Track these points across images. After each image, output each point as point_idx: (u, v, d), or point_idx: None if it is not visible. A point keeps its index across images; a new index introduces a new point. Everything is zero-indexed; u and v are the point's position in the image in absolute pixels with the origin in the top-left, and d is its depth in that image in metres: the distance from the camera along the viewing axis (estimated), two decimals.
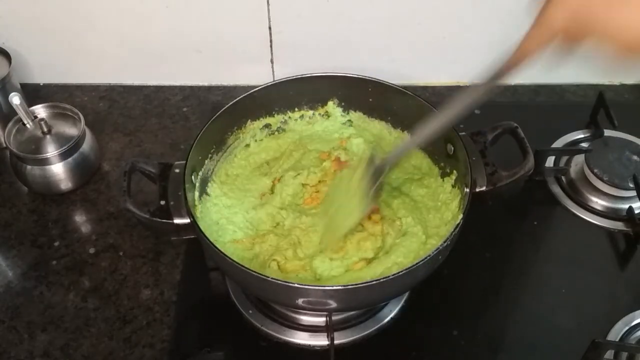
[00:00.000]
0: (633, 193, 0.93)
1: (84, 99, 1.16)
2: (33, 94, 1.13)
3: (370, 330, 0.82)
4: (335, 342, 0.79)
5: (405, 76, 1.06)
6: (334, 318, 0.80)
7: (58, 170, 0.96)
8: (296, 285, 0.69)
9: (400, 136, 0.94)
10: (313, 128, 0.97)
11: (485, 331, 0.83)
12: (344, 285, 0.68)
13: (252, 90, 0.89)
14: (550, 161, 1.00)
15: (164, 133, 1.10)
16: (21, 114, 0.95)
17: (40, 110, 1.00)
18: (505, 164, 0.83)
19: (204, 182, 0.88)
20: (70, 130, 0.98)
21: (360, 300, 0.75)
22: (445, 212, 0.84)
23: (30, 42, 1.11)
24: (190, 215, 0.75)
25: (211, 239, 0.73)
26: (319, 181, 0.90)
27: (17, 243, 0.94)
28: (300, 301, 0.70)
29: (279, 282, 0.68)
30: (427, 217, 0.85)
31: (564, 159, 1.03)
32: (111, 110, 1.14)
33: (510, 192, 0.97)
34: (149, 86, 1.18)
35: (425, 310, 0.85)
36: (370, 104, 0.95)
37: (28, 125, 0.96)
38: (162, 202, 0.78)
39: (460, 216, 0.74)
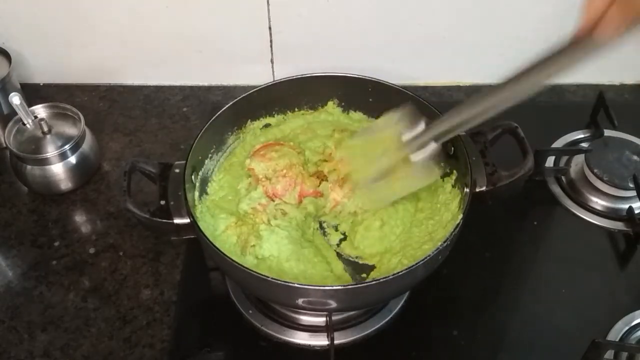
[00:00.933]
0: (633, 193, 0.93)
1: (84, 99, 1.16)
2: (33, 94, 1.13)
3: (370, 330, 0.82)
4: (335, 342, 0.79)
5: (405, 76, 1.06)
6: (334, 318, 0.80)
7: (58, 170, 0.96)
8: (296, 285, 0.69)
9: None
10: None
11: (485, 331, 0.83)
12: (343, 285, 0.68)
13: (252, 91, 0.89)
14: (550, 161, 1.00)
15: (164, 133, 1.10)
16: (21, 114, 0.95)
17: (40, 110, 1.00)
18: (506, 164, 0.83)
19: (204, 182, 0.88)
20: (70, 130, 0.98)
21: (360, 300, 0.75)
22: (445, 213, 0.84)
23: (30, 42, 1.11)
24: (190, 215, 0.75)
25: (211, 239, 0.73)
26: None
27: (17, 243, 0.94)
28: (300, 301, 0.71)
29: (279, 282, 0.68)
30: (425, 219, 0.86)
31: (564, 159, 1.03)
32: (111, 110, 1.14)
33: (510, 192, 0.97)
34: (149, 86, 1.18)
35: (425, 310, 0.85)
36: (370, 104, 0.95)
37: (28, 125, 0.96)
38: (162, 202, 0.78)
39: (460, 216, 0.74)
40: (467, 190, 0.78)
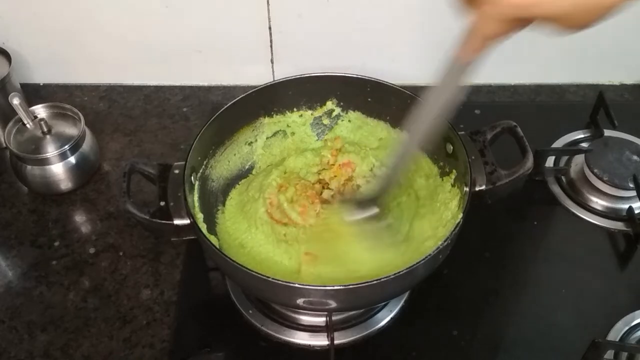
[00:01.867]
0: (633, 193, 0.93)
1: (84, 99, 1.16)
2: (33, 94, 1.13)
3: (371, 330, 0.82)
4: (336, 342, 0.79)
5: (405, 76, 1.06)
6: (334, 318, 0.80)
7: (58, 170, 0.96)
8: (296, 285, 0.68)
9: (399, 136, 0.94)
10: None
11: (485, 331, 0.84)
12: (344, 285, 0.68)
13: (250, 91, 0.89)
14: (550, 161, 1.00)
15: (164, 133, 1.10)
16: (21, 114, 0.95)
17: (40, 110, 1.00)
18: (505, 163, 0.83)
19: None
20: (70, 130, 0.98)
21: (360, 300, 0.75)
22: (445, 212, 0.84)
23: (30, 42, 1.11)
24: (190, 216, 0.75)
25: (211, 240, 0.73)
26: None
27: (17, 243, 0.94)
28: (300, 301, 0.70)
29: (279, 282, 0.68)
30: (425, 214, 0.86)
31: (564, 159, 1.03)
32: (111, 110, 1.14)
33: (510, 191, 0.97)
34: (149, 86, 1.18)
35: (425, 310, 0.85)
36: (369, 103, 0.94)
37: (28, 125, 0.96)
38: (162, 203, 0.78)
39: (460, 215, 0.74)
40: (466, 189, 0.78)
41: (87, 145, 0.99)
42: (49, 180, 0.97)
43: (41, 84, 1.18)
